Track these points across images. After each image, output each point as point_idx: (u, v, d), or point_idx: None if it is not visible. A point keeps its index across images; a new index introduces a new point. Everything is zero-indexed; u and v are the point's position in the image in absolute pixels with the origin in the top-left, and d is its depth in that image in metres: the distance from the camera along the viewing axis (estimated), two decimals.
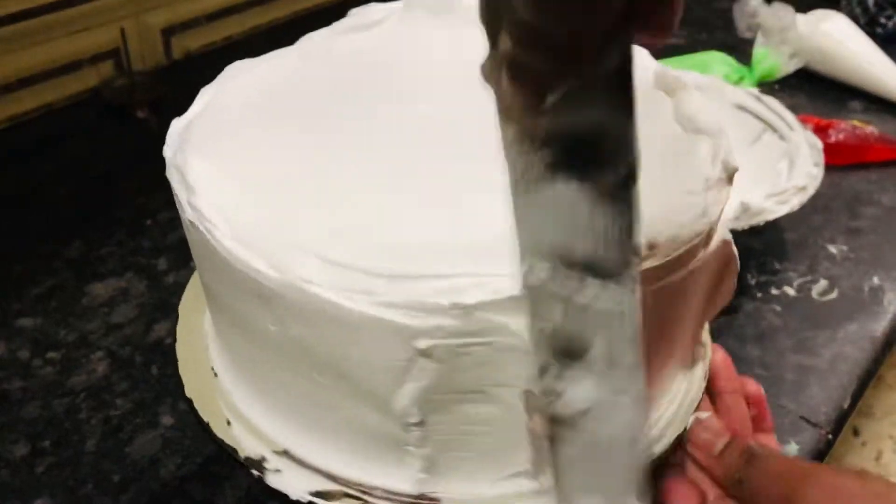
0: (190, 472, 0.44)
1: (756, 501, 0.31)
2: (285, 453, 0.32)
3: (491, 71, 0.20)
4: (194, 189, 0.30)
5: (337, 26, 0.41)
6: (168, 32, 0.81)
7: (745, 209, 0.53)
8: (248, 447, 0.33)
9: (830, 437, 0.47)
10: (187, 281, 0.42)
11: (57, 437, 0.45)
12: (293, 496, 0.31)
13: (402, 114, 0.34)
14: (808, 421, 0.48)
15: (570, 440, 0.24)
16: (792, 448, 0.46)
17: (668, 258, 0.27)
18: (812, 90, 0.79)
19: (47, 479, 0.43)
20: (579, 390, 0.23)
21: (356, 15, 0.41)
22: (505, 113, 0.20)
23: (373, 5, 0.41)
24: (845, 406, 0.49)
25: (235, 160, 0.32)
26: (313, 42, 0.40)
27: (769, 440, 0.38)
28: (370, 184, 0.30)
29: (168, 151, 0.33)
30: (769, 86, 0.78)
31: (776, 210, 0.54)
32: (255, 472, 0.32)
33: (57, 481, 0.43)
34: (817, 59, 0.79)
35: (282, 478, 0.32)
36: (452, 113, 0.33)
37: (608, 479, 0.26)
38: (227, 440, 0.33)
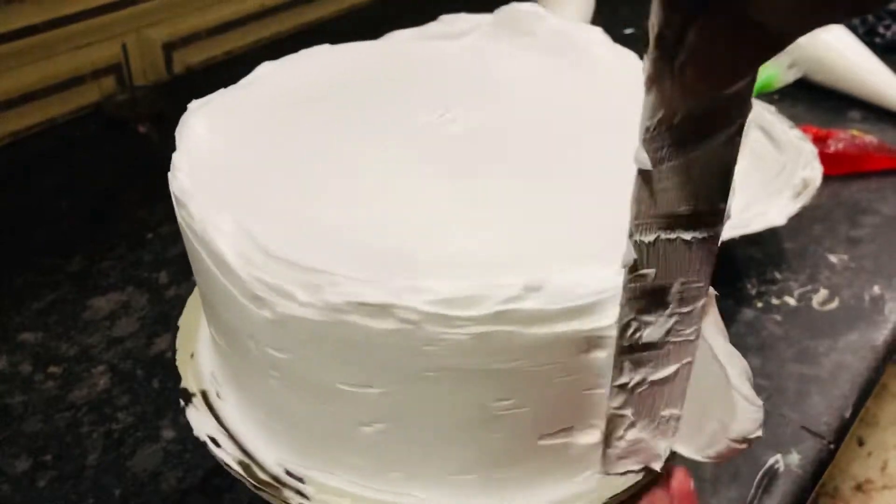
0: (191, 486, 0.44)
1: None
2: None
3: (656, 72, 0.21)
4: (191, 198, 0.31)
5: (424, 30, 0.41)
6: (169, 47, 0.82)
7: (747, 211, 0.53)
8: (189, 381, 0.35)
9: (832, 446, 0.47)
10: (188, 295, 0.42)
11: (58, 452, 0.46)
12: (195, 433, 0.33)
13: (433, 128, 0.34)
14: (809, 431, 0.48)
15: (644, 362, 0.27)
16: (794, 458, 0.46)
17: (550, 307, 0.27)
18: (811, 100, 0.79)
19: (49, 494, 0.43)
20: (655, 330, 0.26)
21: (444, 22, 0.41)
22: (668, 103, 0.21)
23: (463, 15, 0.42)
24: (847, 415, 0.49)
25: (240, 167, 0.32)
26: (393, 41, 0.40)
27: None
28: (376, 198, 0.30)
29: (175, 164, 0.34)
30: (768, 96, 0.78)
31: (778, 214, 0.54)
32: (181, 403, 0.34)
33: (58, 495, 0.43)
34: (816, 69, 0.79)
35: (192, 414, 0.34)
36: (488, 134, 0.33)
37: (667, 397, 0.28)
38: (180, 369, 0.36)
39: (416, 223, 0.29)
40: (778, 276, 0.59)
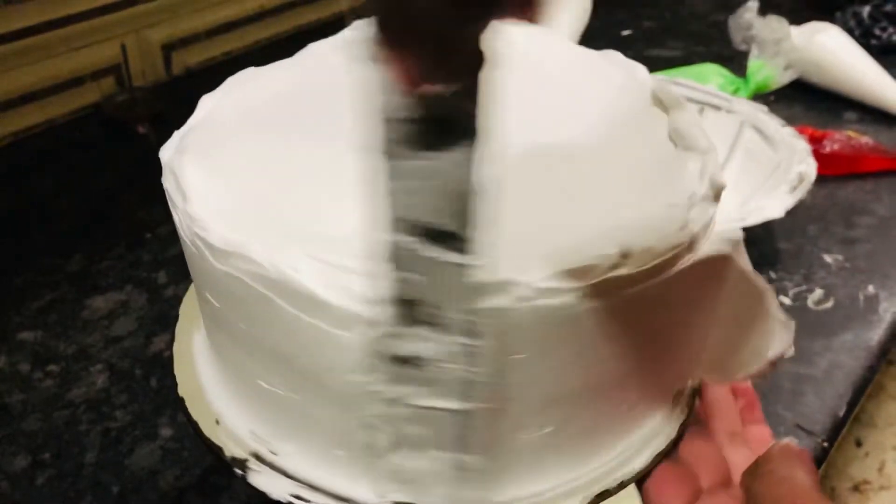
0: (189, 484, 0.44)
1: None
2: (266, 457, 0.33)
3: (373, 54, 0.21)
4: (185, 191, 0.31)
5: (340, 39, 0.41)
6: (168, 48, 0.82)
7: (742, 207, 0.53)
8: (233, 448, 0.33)
9: (826, 444, 0.48)
10: (186, 294, 0.43)
11: (57, 450, 0.46)
12: (273, 496, 0.32)
13: None
14: (804, 429, 0.48)
15: (410, 379, 0.26)
16: None
17: (641, 267, 0.28)
18: (807, 101, 0.80)
19: (47, 492, 0.43)
20: (418, 344, 0.26)
21: (359, 28, 0.41)
22: (382, 91, 0.22)
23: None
24: (841, 414, 0.49)
25: (230, 165, 0.32)
26: (317, 52, 0.40)
27: (761, 430, 0.39)
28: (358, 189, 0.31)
29: (164, 154, 0.34)
30: (764, 97, 0.78)
31: (776, 207, 0.54)
32: (238, 472, 0.33)
33: (57, 493, 0.43)
34: (812, 70, 0.79)
35: (263, 478, 0.32)
36: None
37: (440, 433, 0.27)
38: (214, 440, 0.34)
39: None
40: (773, 275, 0.59)
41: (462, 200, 0.23)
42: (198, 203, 0.31)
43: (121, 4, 0.76)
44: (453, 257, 0.24)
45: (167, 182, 0.33)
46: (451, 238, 0.24)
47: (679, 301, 0.31)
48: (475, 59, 0.21)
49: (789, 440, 0.34)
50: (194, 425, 0.35)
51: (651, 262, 0.28)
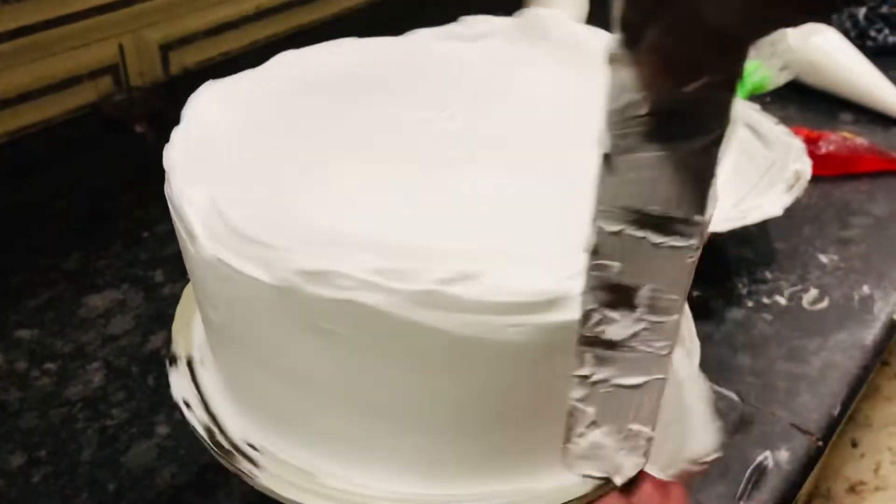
0: (185, 481, 0.44)
1: None
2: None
3: (621, 56, 0.21)
4: (175, 170, 0.31)
5: (445, 30, 0.41)
6: (166, 48, 0.82)
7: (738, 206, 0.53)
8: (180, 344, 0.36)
9: (821, 443, 0.48)
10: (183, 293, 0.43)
11: (53, 447, 0.46)
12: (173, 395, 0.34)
13: (427, 124, 0.34)
14: (798, 428, 0.48)
15: (608, 360, 0.27)
16: (783, 455, 0.46)
17: (478, 297, 0.27)
18: (803, 102, 0.80)
19: (44, 489, 0.44)
20: (619, 329, 0.26)
21: (465, 24, 0.42)
22: (633, 91, 0.21)
23: (484, 17, 0.42)
24: (835, 413, 0.50)
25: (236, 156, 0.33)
26: (415, 39, 0.40)
27: None
28: (370, 188, 0.31)
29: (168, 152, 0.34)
30: (760, 98, 0.79)
31: (774, 205, 0.54)
32: (167, 366, 0.35)
33: (53, 491, 0.43)
34: (808, 71, 0.80)
35: (175, 377, 0.35)
36: (481, 134, 0.34)
37: (624, 408, 0.28)
38: (173, 334, 0.36)
39: (380, 210, 0.30)
40: (769, 275, 0.60)
41: (697, 186, 0.23)
42: (188, 127, 0.32)
43: (118, 4, 0.77)
44: (677, 241, 0.24)
45: (186, 107, 0.34)
46: (679, 223, 0.24)
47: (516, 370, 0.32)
48: (743, 53, 0.21)
49: None
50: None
51: (496, 295, 0.28)
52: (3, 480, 0.44)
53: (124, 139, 0.74)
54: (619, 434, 0.28)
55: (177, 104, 0.35)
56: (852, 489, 0.94)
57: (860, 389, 0.53)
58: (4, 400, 0.49)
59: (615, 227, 0.24)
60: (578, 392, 0.28)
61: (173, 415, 0.47)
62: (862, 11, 0.90)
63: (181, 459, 0.45)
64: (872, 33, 0.90)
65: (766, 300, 0.57)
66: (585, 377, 0.27)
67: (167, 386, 0.35)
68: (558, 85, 0.38)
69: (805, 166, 0.58)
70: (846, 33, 0.87)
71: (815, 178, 0.59)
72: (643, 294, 0.25)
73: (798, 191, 0.56)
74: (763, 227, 0.62)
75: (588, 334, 0.26)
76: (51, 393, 0.49)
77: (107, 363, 0.51)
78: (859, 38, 0.89)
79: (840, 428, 0.50)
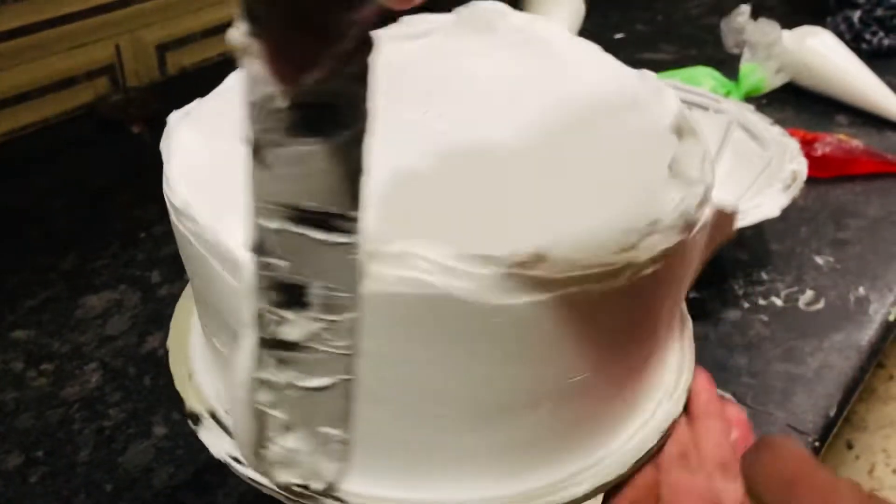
0: (182, 481, 0.44)
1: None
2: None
3: (246, 44, 0.21)
4: (171, 151, 0.32)
5: (386, 32, 0.41)
6: (163, 48, 0.82)
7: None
8: (194, 403, 0.35)
9: (818, 444, 0.48)
10: (181, 293, 0.43)
11: (50, 448, 0.46)
12: (213, 453, 0.33)
13: (422, 125, 0.35)
14: (795, 429, 0.48)
15: (290, 362, 0.26)
16: None
17: (556, 275, 0.28)
18: (798, 104, 0.80)
19: (41, 490, 0.43)
20: (295, 329, 0.25)
21: (406, 23, 0.42)
22: (255, 81, 0.21)
23: (424, 16, 0.42)
24: (832, 414, 0.50)
25: (224, 133, 0.33)
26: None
27: None
28: (386, 193, 0.31)
29: (173, 117, 0.34)
30: (756, 100, 0.79)
31: (772, 205, 0.54)
32: (191, 425, 0.34)
33: (50, 491, 0.43)
34: (803, 74, 0.80)
35: (210, 435, 0.34)
36: (464, 129, 0.34)
37: (314, 411, 0.27)
38: (181, 392, 0.35)
39: (417, 205, 0.30)
40: (764, 276, 0.60)
41: (349, 182, 0.23)
42: (178, 164, 0.32)
43: (115, 5, 0.77)
44: (337, 237, 0.24)
45: (163, 141, 0.33)
46: (336, 219, 0.23)
47: (681, 268, 0.32)
48: (354, 44, 0.21)
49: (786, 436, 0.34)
50: (171, 376, 0.36)
51: (654, 232, 0.28)
52: (0, 481, 0.44)
53: (121, 140, 0.74)
54: (313, 438, 0.28)
55: (174, 105, 0.35)
56: None
57: (856, 390, 0.53)
58: (1, 400, 0.49)
59: (274, 224, 0.23)
60: (263, 396, 0.27)
61: (170, 415, 0.47)
62: (857, 14, 0.91)
63: (178, 460, 0.45)
64: (867, 36, 0.90)
65: (762, 301, 0.57)
66: (268, 381, 0.26)
67: (164, 386, 0.36)
68: (518, 73, 0.38)
69: (801, 166, 0.58)
70: (841, 36, 0.87)
71: (811, 180, 0.60)
72: (315, 293, 0.25)
73: (795, 191, 0.56)
74: (759, 229, 0.62)
75: (265, 336, 0.26)
76: (48, 393, 0.49)
77: (104, 364, 0.51)
78: (854, 41, 0.90)
79: (835, 429, 0.51)
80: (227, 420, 0.34)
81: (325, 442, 0.28)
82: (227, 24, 0.22)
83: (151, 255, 0.60)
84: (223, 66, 0.80)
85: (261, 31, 0.20)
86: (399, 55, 0.39)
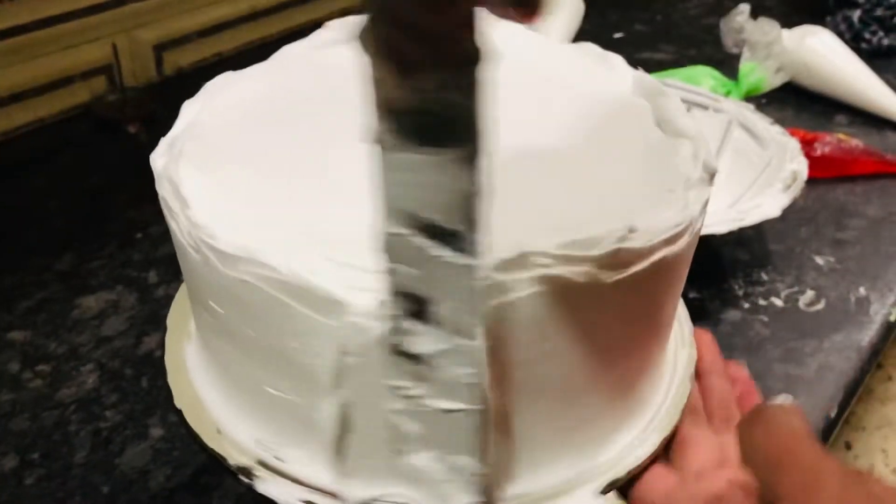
0: (179, 483, 0.44)
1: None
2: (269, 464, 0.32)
3: (367, 44, 0.21)
4: (186, 198, 0.31)
5: (314, 39, 0.41)
6: (160, 48, 0.82)
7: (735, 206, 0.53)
8: (237, 457, 0.33)
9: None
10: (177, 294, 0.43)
11: (46, 450, 0.45)
12: (282, 502, 0.31)
13: None
14: None
15: (420, 376, 0.26)
16: None
17: (651, 242, 0.28)
18: (798, 104, 0.80)
19: (36, 492, 0.43)
20: (424, 343, 0.25)
21: (332, 28, 0.41)
22: (375, 82, 0.22)
23: (350, 18, 0.42)
24: (832, 415, 0.50)
25: (225, 169, 0.32)
26: (291, 54, 0.40)
27: None
28: (355, 188, 0.31)
29: (157, 163, 0.33)
30: (756, 100, 0.79)
31: (772, 206, 0.54)
32: (244, 480, 0.32)
33: (46, 493, 0.43)
34: (803, 73, 0.80)
35: (270, 485, 0.32)
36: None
37: (447, 435, 0.27)
38: (217, 449, 0.33)
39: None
40: (764, 277, 0.59)
41: (465, 200, 0.23)
42: (199, 209, 0.30)
43: (112, 4, 0.76)
44: (454, 256, 0.24)
45: (163, 190, 0.32)
46: (450, 236, 0.23)
47: (675, 280, 0.32)
48: (464, 54, 0.21)
49: (784, 396, 0.34)
50: (195, 436, 0.34)
51: (660, 236, 0.29)
52: None
53: (117, 139, 0.74)
54: (444, 463, 0.27)
55: (170, 105, 0.35)
56: None
57: (856, 391, 0.53)
58: None
59: (395, 229, 0.24)
60: (396, 404, 0.27)
61: (167, 417, 0.47)
62: (857, 14, 0.91)
63: (175, 461, 0.45)
64: (867, 35, 0.90)
65: (762, 302, 0.57)
66: (398, 388, 0.26)
67: (161, 387, 0.35)
68: (509, 80, 0.38)
69: (801, 166, 0.58)
70: (841, 35, 0.87)
71: (811, 180, 0.59)
72: (436, 310, 0.25)
73: (795, 191, 0.56)
74: (759, 229, 0.62)
75: (395, 342, 0.26)
76: (44, 395, 0.49)
77: (100, 365, 0.51)
78: (854, 41, 0.89)
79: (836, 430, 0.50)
80: (281, 465, 0.32)
81: (458, 469, 0.27)
82: (224, 25, 0.22)
83: (148, 256, 0.60)
84: (220, 66, 0.80)
85: (374, 28, 0.21)
86: (334, 60, 0.39)
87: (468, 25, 0.20)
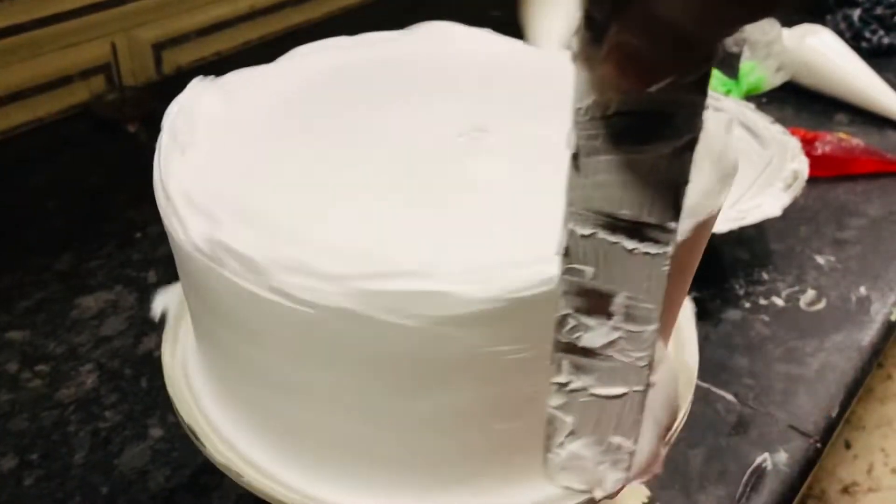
0: (179, 484, 0.43)
1: None
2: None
3: (586, 54, 0.21)
4: (176, 197, 0.31)
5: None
6: (159, 47, 0.82)
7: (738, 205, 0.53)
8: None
9: (819, 445, 0.48)
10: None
11: (45, 450, 0.45)
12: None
13: (410, 121, 0.34)
14: (797, 430, 0.48)
15: (586, 368, 0.26)
16: (781, 457, 0.46)
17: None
18: (798, 103, 0.80)
19: (35, 492, 0.43)
20: (595, 336, 0.25)
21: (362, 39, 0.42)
22: (598, 90, 0.21)
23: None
24: (833, 415, 0.49)
25: (225, 166, 0.32)
26: (298, 55, 0.40)
27: None
28: (366, 192, 0.30)
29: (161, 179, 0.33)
30: (756, 99, 0.79)
31: (773, 205, 0.54)
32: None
33: (45, 494, 0.43)
34: (803, 72, 0.80)
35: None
36: (456, 122, 0.34)
37: (605, 419, 0.27)
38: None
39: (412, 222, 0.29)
40: (765, 276, 0.59)
41: (671, 192, 0.23)
42: (189, 203, 0.30)
43: (111, 3, 0.76)
44: (650, 248, 0.24)
45: (169, 210, 0.31)
46: (652, 229, 0.23)
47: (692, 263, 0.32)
48: (713, 54, 0.20)
49: None
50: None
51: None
52: None
53: (116, 139, 0.74)
54: (600, 446, 0.28)
55: (169, 104, 0.35)
56: (846, 490, 0.94)
57: (857, 391, 0.52)
58: None
59: (587, 231, 0.24)
60: (556, 400, 0.27)
61: (166, 417, 0.47)
62: (857, 12, 0.91)
63: (175, 462, 0.45)
64: (867, 34, 0.90)
65: (763, 301, 0.57)
66: (563, 385, 0.27)
67: (160, 388, 0.35)
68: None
69: (802, 165, 0.58)
70: (841, 34, 0.87)
71: (811, 180, 0.59)
72: (619, 302, 0.25)
73: (796, 190, 0.56)
74: (759, 228, 0.62)
75: (564, 340, 0.26)
76: (43, 395, 0.49)
77: (99, 365, 0.51)
78: (854, 39, 0.89)
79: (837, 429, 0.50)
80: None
81: (613, 451, 0.28)
82: (223, 24, 0.21)
83: (147, 256, 0.60)
84: (219, 65, 0.80)
85: (602, 39, 0.20)
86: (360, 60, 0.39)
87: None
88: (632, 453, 0.28)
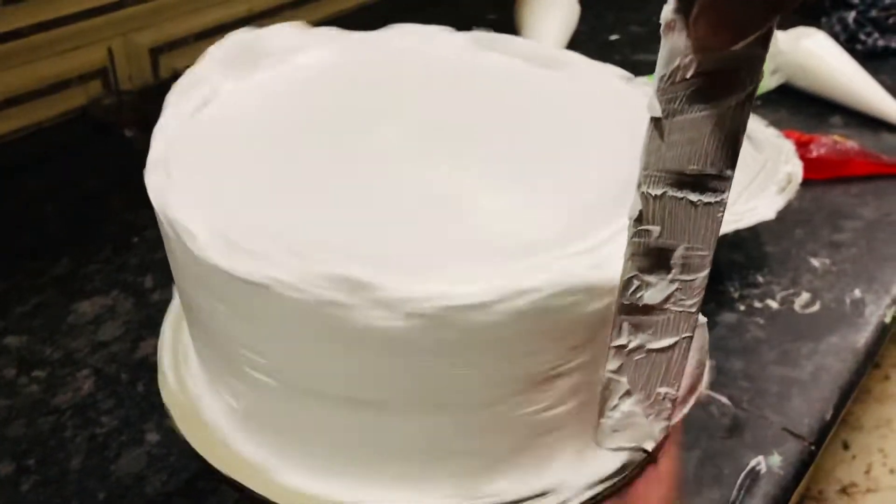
0: (175, 489, 0.44)
1: None
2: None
3: (676, 20, 0.22)
4: (170, 192, 0.31)
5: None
6: (156, 52, 0.82)
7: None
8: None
9: (814, 448, 0.48)
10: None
11: (42, 456, 0.45)
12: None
13: (399, 128, 0.34)
14: (791, 432, 0.48)
15: (643, 326, 0.27)
16: (776, 459, 0.46)
17: None
18: (793, 106, 0.80)
19: (32, 498, 0.43)
20: (655, 292, 0.26)
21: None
22: (684, 54, 0.22)
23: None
24: (828, 417, 0.50)
25: (219, 170, 0.32)
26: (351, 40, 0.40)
27: None
28: (355, 193, 0.31)
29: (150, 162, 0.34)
30: None
31: (767, 208, 0.54)
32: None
33: (42, 499, 0.43)
34: (798, 75, 0.80)
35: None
36: (444, 128, 0.34)
37: (655, 371, 0.28)
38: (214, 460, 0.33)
39: (400, 225, 0.29)
40: (760, 279, 0.60)
41: (731, 142, 0.24)
42: (183, 203, 0.30)
43: (108, 7, 0.76)
44: (710, 197, 0.25)
45: (168, 227, 0.32)
46: (713, 180, 0.24)
47: None
48: (786, 6, 0.21)
49: None
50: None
51: None
52: None
53: (113, 143, 0.74)
54: (648, 400, 0.29)
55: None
56: (844, 491, 0.95)
57: (852, 393, 0.53)
58: None
59: (658, 191, 0.25)
60: (614, 363, 0.28)
61: (163, 422, 0.47)
62: (852, 15, 0.91)
63: (171, 467, 0.45)
64: (862, 37, 0.90)
65: (757, 304, 0.57)
66: (622, 346, 0.28)
67: (157, 393, 0.35)
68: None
69: (797, 168, 0.58)
70: (836, 37, 0.87)
71: (806, 182, 0.60)
72: (678, 254, 0.26)
73: (790, 193, 0.56)
74: (754, 231, 0.62)
75: (627, 302, 0.27)
76: (39, 400, 0.49)
77: (96, 370, 0.51)
78: (849, 42, 0.90)
79: (832, 431, 0.50)
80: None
81: (659, 401, 0.29)
82: (220, 28, 0.21)
83: (144, 260, 0.60)
84: None
85: (692, 4, 0.21)
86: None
87: None
88: (675, 400, 0.29)
